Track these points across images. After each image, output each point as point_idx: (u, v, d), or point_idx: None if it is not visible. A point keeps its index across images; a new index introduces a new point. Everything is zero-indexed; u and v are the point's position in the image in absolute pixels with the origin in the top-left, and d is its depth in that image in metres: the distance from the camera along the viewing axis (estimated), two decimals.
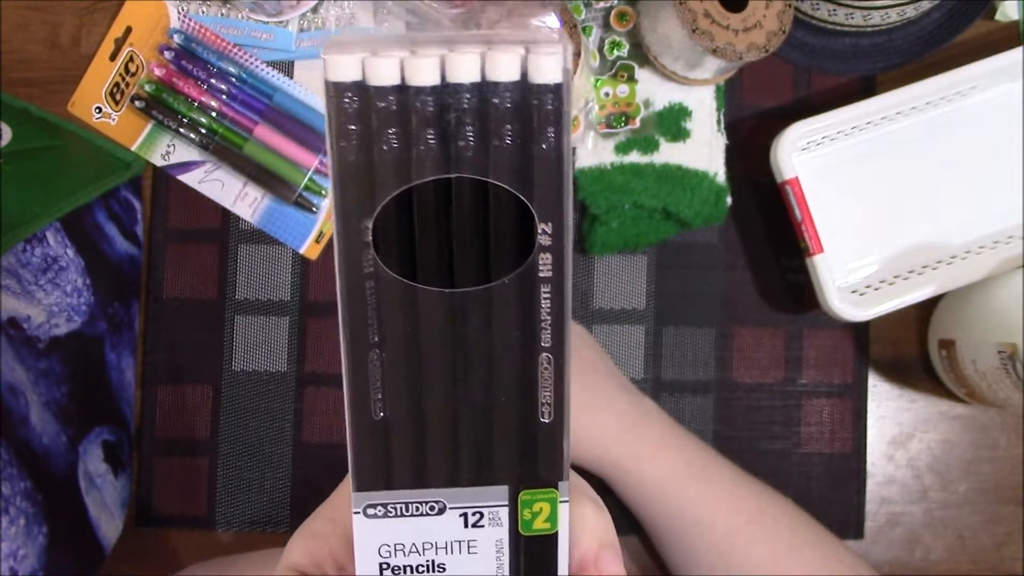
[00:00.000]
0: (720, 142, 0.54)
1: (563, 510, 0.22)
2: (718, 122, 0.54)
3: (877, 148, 0.56)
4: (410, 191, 0.20)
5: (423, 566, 0.22)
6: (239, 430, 0.56)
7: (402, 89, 0.19)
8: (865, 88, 0.56)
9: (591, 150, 0.54)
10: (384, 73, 0.19)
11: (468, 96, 0.19)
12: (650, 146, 0.53)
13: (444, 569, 0.22)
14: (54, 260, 0.50)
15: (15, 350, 0.45)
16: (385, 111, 0.19)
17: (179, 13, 0.55)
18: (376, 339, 0.21)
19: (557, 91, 0.19)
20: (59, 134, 0.55)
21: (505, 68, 0.19)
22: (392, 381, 0.21)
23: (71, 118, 0.56)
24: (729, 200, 0.54)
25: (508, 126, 0.20)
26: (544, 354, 0.21)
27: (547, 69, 0.19)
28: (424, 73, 0.19)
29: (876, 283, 0.55)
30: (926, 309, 0.57)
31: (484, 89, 0.19)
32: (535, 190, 0.20)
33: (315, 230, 0.56)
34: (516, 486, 0.22)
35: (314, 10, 0.56)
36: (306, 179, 0.55)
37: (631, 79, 0.53)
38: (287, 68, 0.56)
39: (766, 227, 0.57)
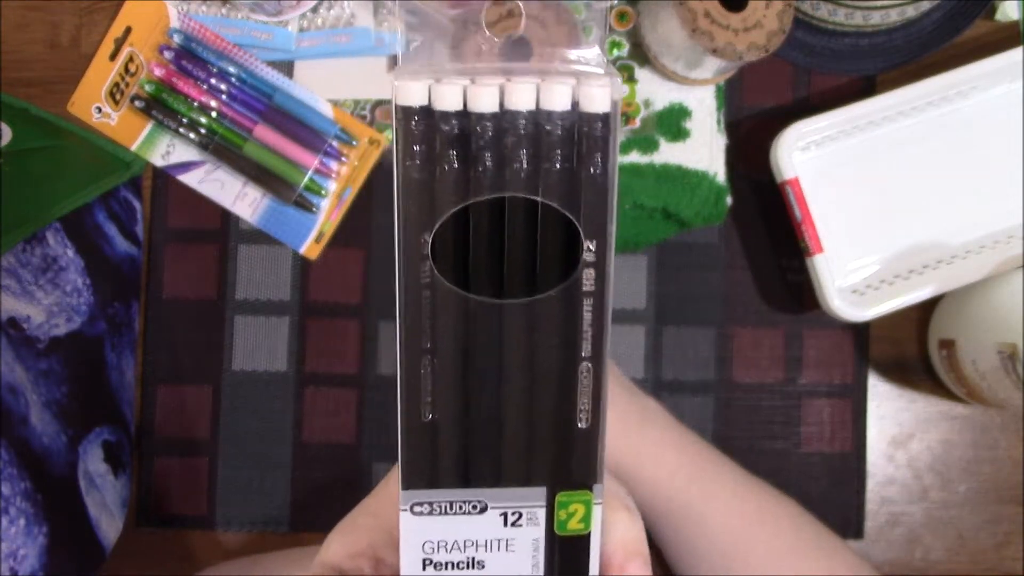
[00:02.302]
0: (720, 142, 0.54)
1: (597, 512, 0.23)
2: (718, 122, 0.54)
3: (877, 148, 0.56)
4: (467, 208, 0.22)
5: (463, 562, 0.23)
6: (239, 430, 0.56)
7: (464, 115, 0.21)
8: (865, 88, 0.56)
9: None
10: (449, 100, 0.21)
11: (524, 123, 0.21)
12: (650, 146, 0.53)
13: (483, 566, 0.24)
14: (54, 260, 0.50)
15: (15, 350, 0.45)
16: (448, 134, 0.21)
17: (179, 13, 0.55)
18: (429, 345, 0.22)
19: (606, 120, 0.21)
20: (59, 134, 0.55)
21: (559, 98, 0.21)
22: (442, 385, 0.23)
23: (71, 118, 0.56)
24: (729, 200, 0.54)
25: (559, 151, 0.21)
26: (584, 363, 0.22)
27: (598, 100, 0.21)
28: (485, 100, 0.21)
29: (876, 283, 0.55)
30: (926, 309, 0.57)
31: (538, 117, 0.21)
32: (582, 210, 0.22)
33: (315, 230, 0.56)
34: (553, 488, 0.23)
35: (314, 10, 0.56)
36: (306, 179, 0.55)
37: (631, 79, 0.53)
38: (287, 68, 0.56)
39: (766, 227, 0.57)
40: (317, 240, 0.56)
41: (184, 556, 0.56)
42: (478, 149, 0.21)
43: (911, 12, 0.54)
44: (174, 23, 0.55)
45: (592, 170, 0.21)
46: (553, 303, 0.22)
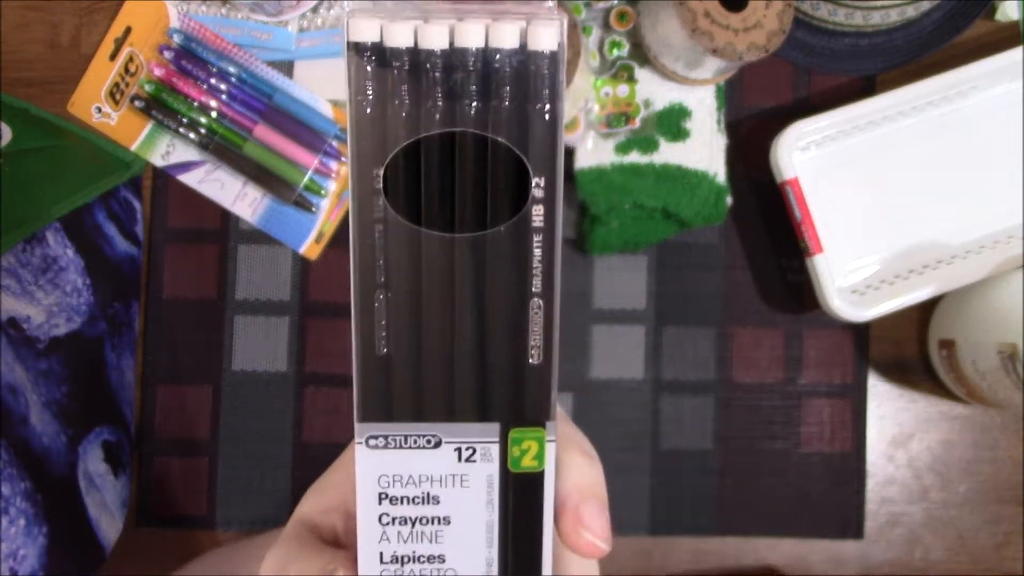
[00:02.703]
0: (720, 142, 0.54)
1: (550, 449, 0.24)
2: (718, 122, 0.54)
3: (877, 148, 0.56)
4: (418, 143, 0.22)
5: (419, 497, 0.24)
6: (239, 430, 0.56)
7: (415, 51, 0.22)
8: (865, 88, 0.56)
9: (591, 150, 0.54)
10: (399, 36, 0.22)
11: (473, 60, 0.22)
12: (650, 146, 0.53)
13: (438, 501, 0.24)
14: (54, 260, 0.50)
15: (15, 350, 0.45)
16: (399, 70, 0.22)
17: (179, 13, 0.55)
18: (383, 280, 0.23)
19: (553, 58, 0.22)
20: (59, 134, 0.55)
21: (507, 37, 0.22)
22: (395, 319, 0.23)
23: (71, 118, 0.56)
24: (729, 200, 0.54)
25: (508, 88, 0.22)
26: (535, 299, 0.23)
27: (544, 38, 0.22)
28: (435, 38, 0.22)
29: (876, 283, 0.55)
30: (926, 309, 0.57)
31: (488, 54, 0.22)
32: (530, 146, 0.22)
33: (315, 230, 0.56)
34: (506, 424, 0.24)
35: (314, 10, 0.56)
36: (306, 179, 0.55)
37: (631, 79, 0.53)
38: (287, 68, 0.56)
39: (766, 227, 0.57)
40: (317, 240, 0.56)
41: (184, 556, 0.56)
42: (429, 85, 0.22)
43: (911, 12, 0.54)
44: (174, 23, 0.55)
45: (539, 107, 0.22)
46: (503, 238, 0.23)
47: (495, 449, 0.24)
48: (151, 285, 0.56)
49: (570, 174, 0.54)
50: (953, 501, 0.57)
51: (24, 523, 0.40)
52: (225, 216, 0.56)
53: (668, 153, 0.53)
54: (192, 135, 0.54)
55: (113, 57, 0.55)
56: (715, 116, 0.54)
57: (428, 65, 0.22)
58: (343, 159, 0.55)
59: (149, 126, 0.55)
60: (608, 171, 0.53)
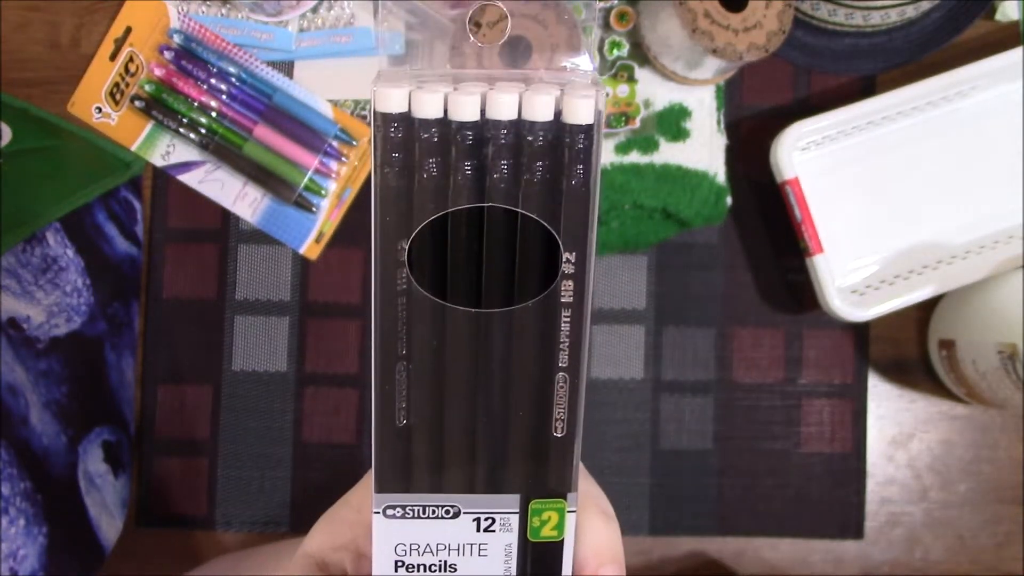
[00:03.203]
0: (720, 142, 0.54)
1: (570, 519, 0.24)
2: (718, 122, 0.54)
3: (877, 148, 0.56)
4: (446, 217, 0.21)
5: (436, 565, 0.24)
6: (239, 430, 0.56)
7: (444, 122, 0.21)
8: (865, 88, 0.56)
9: None
10: (429, 107, 0.21)
11: (505, 132, 0.21)
12: (650, 146, 0.53)
13: (455, 569, 0.24)
14: (54, 260, 0.50)
15: (15, 350, 0.45)
16: (427, 142, 0.21)
17: (179, 13, 0.55)
18: (404, 351, 0.22)
19: (588, 132, 0.21)
20: (59, 134, 0.55)
21: (541, 109, 0.21)
22: (416, 391, 0.23)
23: (71, 118, 0.56)
24: (729, 200, 0.54)
25: (540, 162, 0.21)
26: (561, 373, 0.23)
27: (581, 111, 0.21)
28: (466, 109, 0.21)
29: (876, 283, 0.55)
30: (926, 309, 0.57)
31: (520, 127, 0.21)
32: (562, 221, 0.21)
33: (315, 230, 0.56)
34: (527, 495, 0.23)
35: (314, 10, 0.56)
36: (306, 179, 0.55)
37: (631, 79, 0.53)
38: (287, 68, 0.56)
39: (766, 227, 0.57)
40: (317, 240, 0.56)
41: (184, 556, 0.56)
42: (458, 158, 0.21)
43: (911, 12, 0.54)
44: (174, 23, 0.55)
45: (573, 182, 0.21)
46: (530, 313, 0.22)
47: (515, 520, 0.24)
48: (151, 285, 0.56)
49: None
50: (953, 501, 0.57)
51: (24, 523, 0.40)
52: (225, 216, 0.56)
53: (668, 153, 0.53)
54: (192, 135, 0.54)
55: (113, 57, 0.55)
56: (715, 116, 0.54)
57: (458, 137, 0.21)
58: (344, 159, 0.56)
59: (149, 126, 0.55)
60: (608, 171, 0.53)
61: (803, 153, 0.55)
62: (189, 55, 0.55)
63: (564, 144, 0.21)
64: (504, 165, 0.21)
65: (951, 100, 0.55)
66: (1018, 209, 0.55)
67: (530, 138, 0.21)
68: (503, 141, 0.21)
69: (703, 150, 0.53)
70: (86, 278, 0.52)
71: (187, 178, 0.56)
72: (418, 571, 0.24)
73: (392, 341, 0.22)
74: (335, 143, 0.55)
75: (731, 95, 0.57)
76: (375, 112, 0.21)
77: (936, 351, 0.55)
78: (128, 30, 0.55)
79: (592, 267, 0.22)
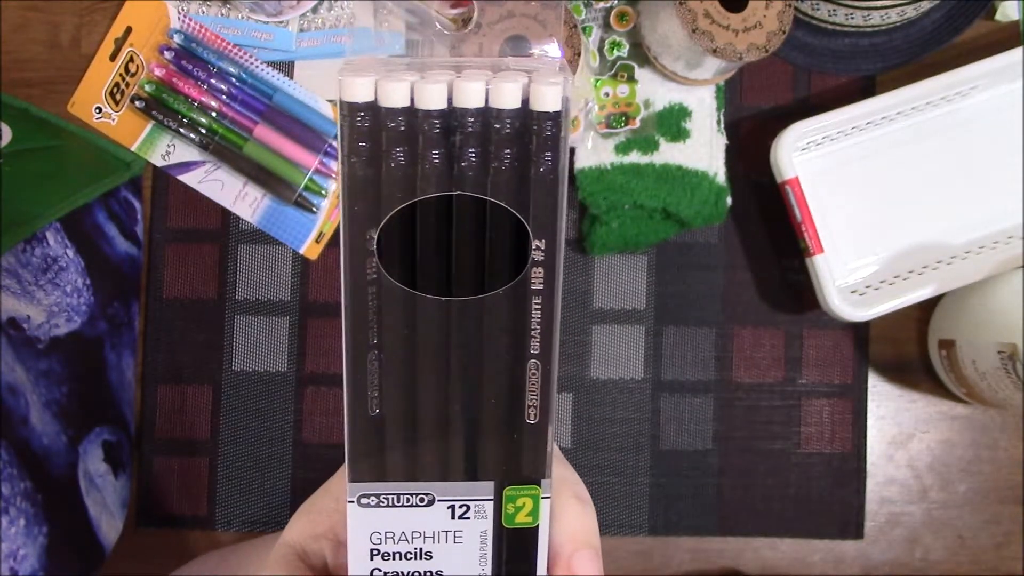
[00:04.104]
0: (720, 142, 0.54)
1: (545, 505, 0.24)
2: (718, 122, 0.54)
3: (877, 148, 0.56)
4: (414, 205, 0.21)
5: (411, 553, 0.24)
6: (239, 430, 0.56)
7: (411, 111, 0.21)
8: (865, 88, 0.56)
9: (591, 150, 0.54)
10: (395, 96, 0.21)
11: (472, 120, 0.21)
12: (650, 146, 0.53)
13: (431, 557, 0.24)
14: (54, 260, 0.50)
15: (15, 350, 0.45)
16: (394, 131, 0.21)
17: (179, 13, 0.55)
18: (375, 341, 0.22)
19: (556, 119, 0.21)
20: (59, 134, 0.55)
21: (508, 97, 0.20)
22: (388, 380, 0.23)
23: (71, 118, 0.56)
24: (729, 200, 0.54)
25: (508, 150, 0.21)
26: (532, 360, 0.23)
27: (548, 98, 0.20)
28: (432, 98, 0.20)
29: (876, 283, 0.55)
30: (926, 309, 0.57)
31: (488, 115, 0.21)
32: (531, 209, 0.21)
33: (315, 230, 0.56)
34: (502, 481, 0.23)
35: (314, 10, 0.56)
36: (306, 179, 0.55)
37: (631, 79, 0.53)
38: (287, 68, 0.56)
39: (766, 227, 0.57)
40: (317, 240, 0.56)
41: (184, 556, 0.56)
42: (426, 146, 0.21)
43: (911, 12, 0.54)
44: (174, 23, 0.55)
45: (541, 169, 0.21)
46: (501, 301, 0.22)
47: (489, 506, 0.24)
48: (151, 285, 0.56)
49: (570, 174, 0.54)
50: (953, 501, 0.57)
51: (24, 523, 0.40)
52: (225, 216, 0.56)
53: (668, 153, 0.53)
54: (192, 135, 0.54)
55: (113, 57, 0.55)
56: (715, 116, 0.54)
57: (425, 126, 0.21)
58: None
59: (149, 126, 0.55)
60: (608, 171, 0.53)
61: (803, 153, 0.55)
62: (189, 55, 0.55)
63: (532, 131, 0.21)
64: (472, 153, 0.21)
65: (951, 100, 0.55)
66: (1018, 209, 0.55)
67: (497, 126, 0.21)
68: (471, 129, 0.21)
69: (703, 150, 0.53)
70: (86, 278, 0.52)
71: (187, 178, 0.56)
72: (394, 559, 0.24)
73: (363, 331, 0.22)
74: (335, 143, 0.55)
75: (731, 95, 0.57)
76: (341, 101, 0.21)
77: (936, 351, 0.55)
78: (128, 30, 0.55)
79: (561, 254, 0.22)
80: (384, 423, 0.23)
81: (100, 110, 0.55)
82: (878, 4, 0.53)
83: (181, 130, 0.54)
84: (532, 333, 0.22)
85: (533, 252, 0.22)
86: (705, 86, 0.54)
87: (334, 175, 0.56)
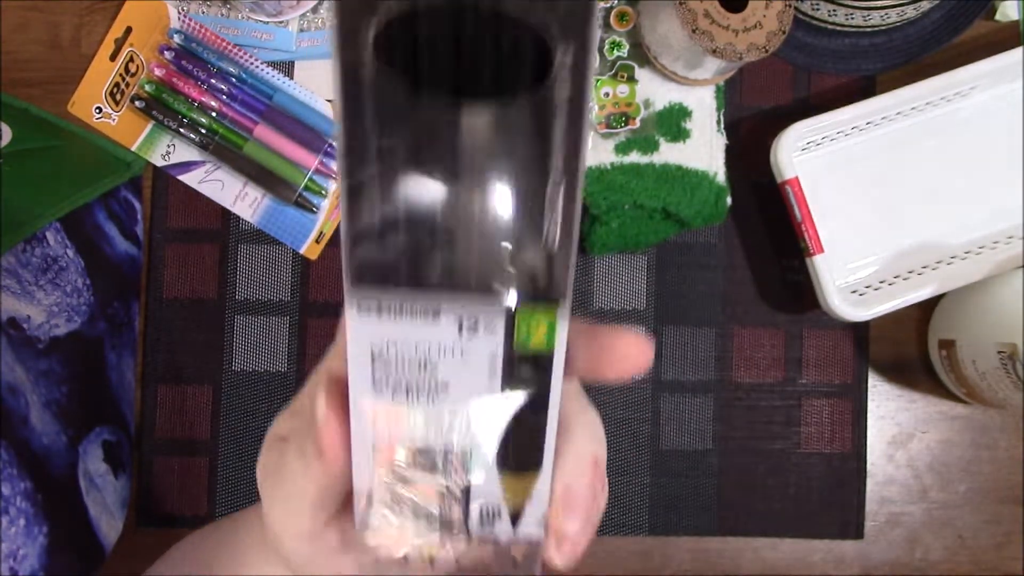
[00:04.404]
0: (720, 142, 0.54)
1: (562, 329, 0.22)
2: (718, 122, 0.54)
3: (877, 148, 0.56)
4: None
5: (415, 364, 0.22)
6: (239, 430, 0.56)
7: None
8: (865, 88, 0.56)
9: (591, 150, 0.54)
10: None
11: None
12: (650, 146, 0.53)
13: (436, 369, 0.22)
14: (54, 260, 0.50)
15: (15, 350, 0.45)
16: None
17: (179, 13, 0.55)
18: (377, 145, 0.20)
19: None
20: (59, 134, 0.55)
21: None
22: (390, 185, 0.20)
23: (71, 118, 0.56)
24: (729, 200, 0.54)
25: None
26: (555, 175, 0.20)
27: None
28: None
29: (876, 283, 0.55)
30: (926, 309, 0.57)
31: None
32: (559, 5, 0.19)
33: (315, 230, 0.56)
34: (516, 297, 0.21)
35: (314, 10, 0.56)
36: (306, 179, 0.55)
37: (631, 79, 0.53)
38: (287, 68, 0.56)
39: (766, 227, 0.57)
40: (317, 240, 0.56)
41: None
42: None
43: (911, 12, 0.54)
44: (174, 23, 0.55)
45: None
46: (521, 110, 0.20)
47: (500, 324, 0.21)
48: (151, 285, 0.56)
49: None
50: (953, 501, 0.57)
51: (24, 523, 0.40)
52: (225, 216, 0.56)
53: (668, 153, 0.53)
54: (192, 135, 0.54)
55: (113, 57, 0.55)
56: (715, 116, 0.54)
57: None
58: None
59: (149, 126, 0.55)
60: (608, 171, 0.53)
61: (803, 153, 0.55)
62: (189, 55, 0.55)
63: None
64: None
65: (951, 100, 0.55)
66: (1018, 209, 0.55)
67: None
68: None
69: (703, 150, 0.53)
70: (86, 278, 0.52)
71: (187, 178, 0.56)
72: (396, 367, 0.22)
73: (361, 133, 0.20)
74: (335, 143, 0.55)
75: (731, 95, 0.57)
76: None
77: (936, 351, 0.55)
78: (128, 30, 0.55)
79: (592, 59, 0.19)
80: (387, 226, 0.20)
81: (100, 110, 0.55)
82: (878, 4, 0.53)
83: (181, 130, 0.54)
84: (556, 147, 0.20)
85: (560, 56, 0.19)
86: (705, 86, 0.54)
87: (334, 175, 0.56)
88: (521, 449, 0.23)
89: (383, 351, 0.22)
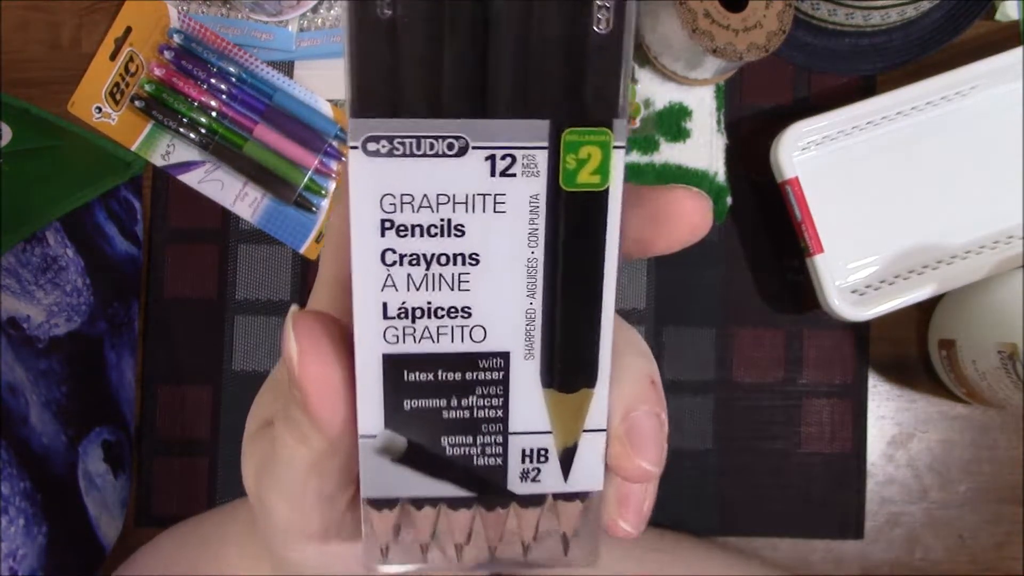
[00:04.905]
0: (720, 142, 0.54)
1: (618, 159, 0.17)
2: (718, 122, 0.54)
3: (877, 148, 0.56)
4: None
5: (435, 226, 0.17)
6: (239, 430, 0.56)
7: None
8: (865, 88, 0.56)
9: None
10: None
11: None
12: (650, 146, 0.53)
13: (463, 232, 0.17)
14: (54, 260, 0.50)
15: (15, 350, 0.45)
16: None
17: (179, 13, 0.55)
18: None
19: None
20: (59, 134, 0.55)
21: None
22: None
23: (71, 118, 0.56)
24: (729, 200, 0.54)
25: None
26: None
27: None
28: None
29: (876, 283, 0.55)
30: (926, 309, 0.57)
31: None
32: None
33: (315, 230, 0.56)
34: (560, 122, 0.17)
35: (314, 10, 0.56)
36: (306, 179, 0.55)
37: (631, 79, 0.53)
38: (287, 68, 0.56)
39: (766, 227, 0.57)
40: (317, 240, 0.56)
41: None
42: None
43: (911, 12, 0.54)
44: (174, 23, 0.55)
45: None
46: None
47: (542, 158, 0.17)
48: (151, 285, 0.56)
49: None
50: (953, 501, 0.57)
51: (24, 523, 0.40)
52: (225, 216, 0.56)
53: (668, 153, 0.53)
54: (192, 135, 0.54)
55: (113, 57, 0.55)
56: (715, 116, 0.54)
57: None
58: (343, 159, 0.55)
59: (149, 126, 0.55)
60: None
61: (803, 153, 0.55)
62: (189, 55, 0.55)
63: None
64: None
65: (951, 100, 0.55)
66: (1018, 209, 0.55)
67: None
68: None
69: (703, 150, 0.53)
70: (86, 278, 0.52)
71: (187, 178, 0.56)
72: (412, 236, 0.17)
73: None
74: (335, 143, 0.55)
75: (731, 95, 0.57)
76: None
77: (936, 351, 0.55)
78: (128, 30, 0.55)
79: None
80: (398, 30, 0.16)
81: (100, 110, 0.55)
82: (878, 4, 0.53)
83: (181, 130, 0.54)
84: None
85: None
86: (705, 86, 0.54)
87: (334, 175, 0.56)
88: (570, 350, 0.18)
89: (396, 208, 0.17)
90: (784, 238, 0.56)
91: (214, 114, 0.55)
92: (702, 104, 0.54)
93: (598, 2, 0.16)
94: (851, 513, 0.56)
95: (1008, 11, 0.56)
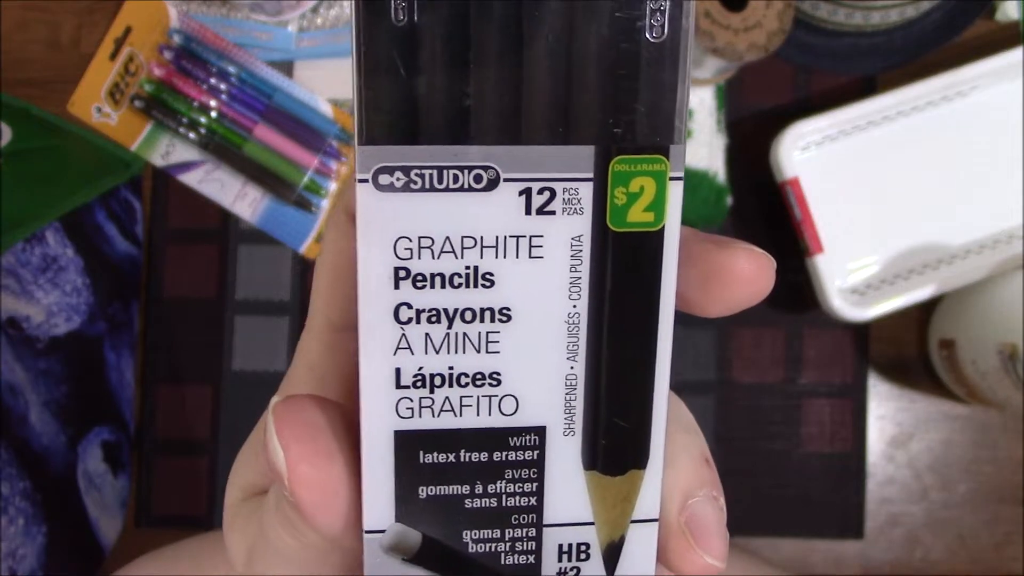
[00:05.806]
0: (720, 142, 0.54)
1: (675, 193, 0.14)
2: (718, 122, 0.54)
3: (877, 148, 0.56)
4: None
5: (459, 275, 0.14)
6: (239, 430, 0.56)
7: None
8: (865, 88, 0.56)
9: None
10: None
11: None
12: None
13: (491, 283, 0.14)
14: (54, 260, 0.50)
15: (14, 350, 0.45)
16: None
17: (179, 13, 0.55)
18: None
19: None
20: (59, 134, 0.55)
21: None
22: None
23: (71, 118, 0.56)
24: (729, 200, 0.54)
25: None
26: None
27: None
28: None
29: (876, 283, 0.55)
30: (926, 309, 0.57)
31: None
32: None
33: (315, 230, 0.56)
34: (606, 149, 0.14)
35: (314, 10, 0.56)
36: (306, 179, 0.55)
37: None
38: (287, 68, 0.56)
39: (766, 227, 0.57)
40: (317, 240, 0.56)
41: None
42: None
43: (911, 12, 0.54)
44: (174, 23, 0.55)
45: None
46: None
47: (587, 191, 0.14)
48: (151, 285, 0.56)
49: None
50: (953, 501, 0.57)
51: (23, 523, 0.40)
52: (225, 216, 0.56)
53: None
54: (192, 135, 0.54)
55: (113, 57, 0.55)
56: (715, 116, 0.54)
57: None
58: (344, 159, 0.56)
59: (149, 126, 0.55)
60: None
61: (803, 153, 0.55)
62: (189, 55, 0.55)
63: None
64: None
65: (951, 100, 0.55)
66: (1018, 209, 0.55)
67: None
68: None
69: (703, 150, 0.53)
70: (86, 278, 0.52)
71: (187, 178, 0.56)
72: (432, 287, 0.14)
73: None
74: (335, 143, 0.55)
75: (731, 95, 0.57)
76: None
77: (936, 351, 0.55)
78: (128, 30, 0.55)
79: None
80: (417, 39, 0.13)
81: (100, 110, 0.55)
82: (878, 4, 0.53)
83: (181, 130, 0.54)
84: None
85: None
86: (705, 86, 0.54)
87: (334, 175, 0.56)
88: (617, 425, 0.15)
89: (413, 253, 0.14)
90: (784, 238, 0.56)
91: (214, 114, 0.55)
92: (702, 104, 0.54)
93: (651, 5, 0.14)
94: (851, 513, 0.56)
95: (1008, 11, 0.56)
